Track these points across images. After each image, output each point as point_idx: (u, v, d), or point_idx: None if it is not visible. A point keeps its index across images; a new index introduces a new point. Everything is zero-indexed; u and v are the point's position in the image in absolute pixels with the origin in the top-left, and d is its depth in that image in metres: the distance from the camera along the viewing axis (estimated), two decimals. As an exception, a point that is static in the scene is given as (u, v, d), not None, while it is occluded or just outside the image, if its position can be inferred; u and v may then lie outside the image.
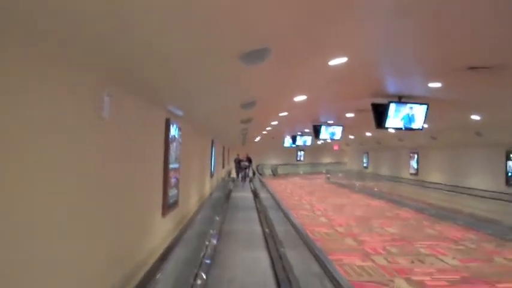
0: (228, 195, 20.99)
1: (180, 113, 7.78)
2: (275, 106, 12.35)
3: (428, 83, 9.22)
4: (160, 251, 6.17)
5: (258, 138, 33.27)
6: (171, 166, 7.51)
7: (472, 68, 7.37)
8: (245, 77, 6.34)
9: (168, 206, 7.39)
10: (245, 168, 34.13)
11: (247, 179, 33.52)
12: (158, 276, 4.91)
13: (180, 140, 8.23)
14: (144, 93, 5.39)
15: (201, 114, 9.24)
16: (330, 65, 6.73)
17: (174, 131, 7.62)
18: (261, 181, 31.86)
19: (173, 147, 7.61)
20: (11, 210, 2.57)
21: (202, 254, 8.39)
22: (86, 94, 3.73)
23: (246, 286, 7.46)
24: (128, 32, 3.18)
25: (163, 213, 7.18)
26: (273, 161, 50.32)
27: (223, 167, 28.24)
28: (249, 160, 34.64)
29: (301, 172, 51.97)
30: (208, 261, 8.13)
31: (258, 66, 5.25)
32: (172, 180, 7.75)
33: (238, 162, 35.08)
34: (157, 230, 6.85)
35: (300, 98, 10.60)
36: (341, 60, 6.52)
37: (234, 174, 38.25)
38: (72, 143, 3.46)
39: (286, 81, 7.81)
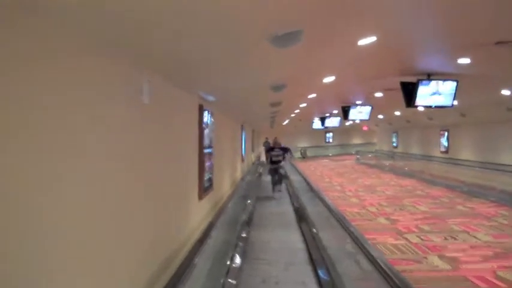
0: (259, 179, 21.27)
1: (211, 98, 7.93)
2: (304, 88, 12.39)
3: (457, 59, 9.17)
4: (198, 233, 6.36)
5: (286, 121, 33.27)
6: (205, 151, 7.68)
7: (499, 42, 7.35)
8: (276, 60, 6.43)
9: (203, 190, 7.57)
10: (278, 163, 18.02)
11: (283, 185, 18.82)
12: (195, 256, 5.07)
13: (212, 125, 8.39)
14: (178, 80, 5.54)
15: (232, 99, 9.38)
16: (359, 45, 6.78)
17: (206, 116, 7.77)
18: (290, 163, 31.73)
19: (206, 132, 7.77)
20: (62, 195, 2.73)
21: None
22: (127, 81, 3.88)
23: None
24: (164, 18, 3.30)
25: (200, 197, 7.36)
26: (302, 144, 50.25)
27: (252, 150, 28.38)
28: (284, 149, 18.21)
29: (330, 154, 51.82)
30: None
31: (289, 48, 5.34)
32: (207, 165, 7.92)
33: (268, 150, 18.75)
34: (194, 213, 7.03)
35: (328, 79, 10.63)
36: (370, 39, 6.56)
37: (263, 158, 38.37)
38: (117, 129, 3.61)
39: (316, 62, 7.86)
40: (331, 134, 52.31)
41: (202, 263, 5.40)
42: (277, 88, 9.23)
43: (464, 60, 9.16)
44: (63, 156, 2.71)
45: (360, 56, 8.00)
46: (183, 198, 6.44)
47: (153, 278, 4.68)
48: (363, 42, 6.66)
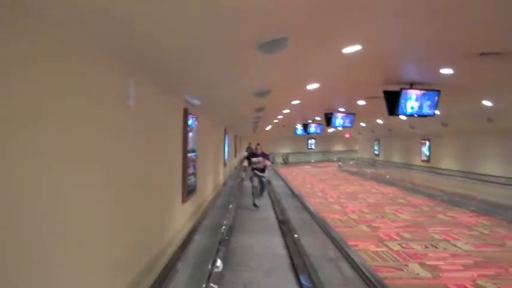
0: (240, 184, 21.27)
1: (197, 102, 7.94)
2: (288, 94, 12.45)
3: (439, 69, 9.27)
4: (181, 236, 6.36)
5: (269, 127, 33.31)
6: (189, 155, 7.69)
7: (483, 53, 7.45)
8: (261, 66, 6.47)
9: (187, 193, 7.57)
10: (261, 171, 16.43)
11: (264, 191, 17.49)
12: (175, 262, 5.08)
13: (196, 129, 8.40)
14: (163, 83, 5.55)
15: (216, 104, 9.41)
16: (343, 53, 6.84)
17: (191, 120, 7.78)
18: (272, 169, 31.70)
19: (191, 136, 7.78)
20: (40, 197, 2.69)
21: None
22: (113, 83, 3.89)
23: None
24: (152, 22, 3.32)
25: (183, 200, 7.37)
26: (284, 150, 50.42)
27: (235, 156, 28.39)
28: (265, 156, 16.55)
29: (312, 160, 52.02)
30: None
31: (275, 55, 5.37)
32: (191, 168, 7.93)
33: (249, 157, 16.84)
34: (177, 216, 7.03)
35: (312, 86, 10.70)
36: (355, 48, 6.64)
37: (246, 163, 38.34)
38: (101, 131, 3.61)
39: (301, 69, 7.92)
40: (313, 141, 52.53)
41: (186, 263, 5.41)
42: (261, 94, 9.28)
43: (447, 71, 9.26)
44: (46, 158, 2.71)
45: (344, 64, 8.06)
46: (168, 201, 6.45)
47: (141, 272, 4.70)
48: (348, 50, 6.74)
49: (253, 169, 16.19)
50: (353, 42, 6.45)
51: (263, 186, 16.80)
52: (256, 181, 16.11)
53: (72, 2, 2.61)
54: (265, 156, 16.30)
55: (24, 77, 2.43)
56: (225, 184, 16.18)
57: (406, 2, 4.62)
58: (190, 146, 7.79)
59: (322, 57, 7.29)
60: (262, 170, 16.15)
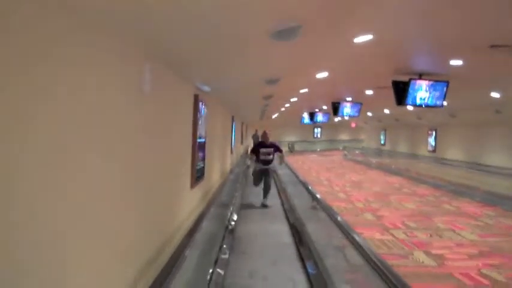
0: (247, 171, 21.39)
1: (207, 88, 8.00)
2: (297, 82, 12.48)
3: (449, 61, 9.29)
4: (189, 223, 6.46)
5: (276, 115, 33.32)
6: (199, 141, 7.76)
7: (493, 46, 7.47)
8: (273, 53, 6.50)
9: (196, 179, 7.65)
10: (268, 164, 13.84)
11: (267, 196, 13.76)
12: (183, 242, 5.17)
13: (205, 115, 8.46)
14: (176, 68, 5.59)
15: (226, 91, 9.47)
16: (354, 42, 6.88)
17: (201, 106, 7.85)
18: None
19: (200, 122, 7.84)
20: (60, 178, 2.74)
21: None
22: (128, 68, 3.94)
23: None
24: (168, 4, 3.37)
25: (192, 185, 7.45)
26: (290, 138, 50.43)
27: (241, 143, 28.45)
28: (276, 148, 14.09)
29: (318, 149, 52.04)
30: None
31: (288, 42, 5.42)
32: (199, 154, 8.00)
33: (257, 148, 14.10)
34: (185, 202, 7.12)
35: (322, 75, 10.73)
36: (366, 37, 6.67)
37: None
38: (117, 116, 3.68)
39: (311, 57, 7.95)
40: (319, 130, 52.54)
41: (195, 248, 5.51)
42: (271, 81, 9.32)
43: (456, 62, 9.27)
44: (61, 140, 2.75)
45: (354, 53, 8.09)
46: (177, 187, 6.54)
47: (157, 250, 4.80)
48: (359, 39, 6.77)
49: (258, 160, 13.57)
50: (364, 31, 6.47)
51: (269, 183, 13.62)
52: (261, 179, 13.63)
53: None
54: (274, 146, 13.86)
55: (35, 69, 2.42)
56: (231, 171, 16.17)
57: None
58: (200, 132, 7.86)
59: (333, 46, 7.32)
60: (270, 162, 13.67)
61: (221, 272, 6.64)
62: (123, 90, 3.80)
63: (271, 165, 13.81)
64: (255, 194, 14.14)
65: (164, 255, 5.02)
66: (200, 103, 7.71)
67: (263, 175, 13.59)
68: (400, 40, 7.57)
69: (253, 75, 8.53)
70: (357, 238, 5.70)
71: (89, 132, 3.08)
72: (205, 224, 6.41)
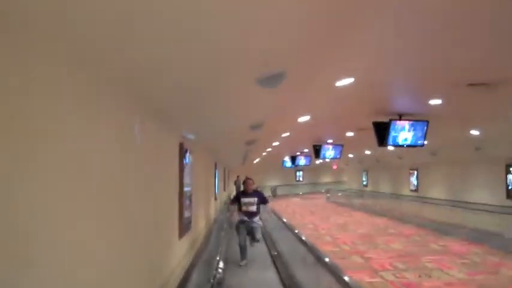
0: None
1: (191, 136, 8.01)
2: (279, 127, 12.61)
3: (428, 100, 9.44)
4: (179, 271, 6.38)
5: (257, 160, 33.36)
6: (185, 189, 7.72)
7: (471, 84, 7.62)
8: (257, 99, 6.57)
9: (184, 229, 7.59)
10: (252, 217, 11.54)
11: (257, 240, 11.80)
12: None
13: (190, 163, 8.45)
14: (160, 116, 5.59)
15: (210, 137, 9.50)
16: (336, 86, 6.99)
17: (186, 154, 7.84)
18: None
19: (186, 170, 7.82)
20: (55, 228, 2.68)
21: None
22: (121, 121, 3.95)
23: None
24: (154, 59, 3.41)
25: (180, 235, 7.38)
26: (272, 182, 50.34)
27: (224, 189, 28.37)
28: (260, 197, 11.96)
29: (301, 192, 52.01)
30: None
31: (273, 89, 5.48)
32: (186, 203, 7.95)
33: (236, 197, 12.29)
34: (175, 251, 7.04)
35: (304, 118, 10.85)
36: (348, 80, 6.78)
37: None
38: (111, 169, 3.66)
39: (294, 102, 8.05)
40: (301, 173, 52.63)
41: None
42: (255, 127, 9.39)
43: (435, 101, 9.42)
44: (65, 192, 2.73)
45: (335, 96, 8.23)
46: (167, 237, 6.47)
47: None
48: (341, 83, 6.88)
49: (241, 211, 11.50)
50: (346, 75, 6.60)
51: (254, 234, 11.38)
52: (244, 234, 11.33)
53: (92, 44, 2.69)
54: (259, 196, 11.76)
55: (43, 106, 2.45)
56: (215, 220, 16.03)
57: (396, 34, 4.78)
58: (186, 180, 7.83)
59: (315, 90, 7.43)
60: (254, 214, 11.38)
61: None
62: (116, 143, 3.79)
63: (256, 219, 11.37)
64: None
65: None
66: (185, 151, 7.70)
67: (246, 229, 11.23)
68: (380, 82, 7.71)
69: (238, 121, 8.59)
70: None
71: (82, 181, 3.04)
72: (194, 275, 6.34)
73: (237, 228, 11.48)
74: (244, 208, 11.37)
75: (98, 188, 3.35)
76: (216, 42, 3.43)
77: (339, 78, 6.69)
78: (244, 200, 11.42)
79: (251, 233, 11.25)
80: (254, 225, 11.28)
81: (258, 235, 11.36)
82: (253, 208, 11.35)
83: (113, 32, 2.67)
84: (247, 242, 11.48)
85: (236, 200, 11.85)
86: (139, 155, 4.67)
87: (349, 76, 6.65)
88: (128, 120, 4.16)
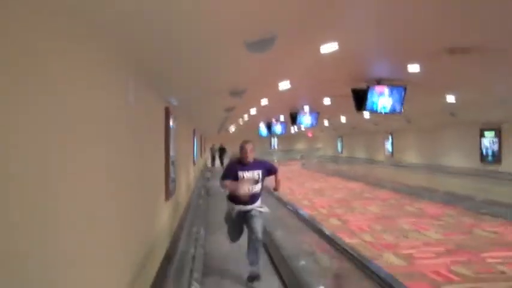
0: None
1: (175, 101, 8.08)
2: (259, 94, 12.64)
3: (407, 66, 9.56)
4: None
5: (233, 128, 33.40)
6: (170, 154, 7.83)
7: (449, 50, 7.78)
8: (243, 63, 6.65)
9: (169, 191, 7.72)
10: (251, 202, 7.06)
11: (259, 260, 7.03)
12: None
13: (174, 128, 8.53)
14: (147, 80, 5.60)
15: (192, 103, 9.54)
16: (321, 52, 7.09)
17: (171, 119, 7.92)
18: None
19: (171, 135, 7.91)
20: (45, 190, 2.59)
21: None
22: (115, 83, 4.01)
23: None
24: (144, 14, 3.41)
25: (166, 198, 7.52)
26: (248, 150, 50.30)
27: (201, 156, 28.47)
28: (267, 169, 7.38)
29: (276, 160, 52.15)
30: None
31: (262, 54, 5.56)
32: (171, 167, 8.06)
33: (231, 172, 7.08)
34: (163, 212, 7.19)
35: (284, 85, 10.91)
36: (332, 45, 6.88)
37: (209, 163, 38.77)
38: (103, 127, 3.67)
39: (278, 67, 8.11)
40: (276, 140, 52.79)
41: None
42: (236, 93, 9.44)
43: (413, 67, 9.55)
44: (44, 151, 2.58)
45: (317, 62, 8.32)
46: (156, 199, 6.62)
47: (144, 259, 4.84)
48: (325, 48, 6.97)
49: (232, 200, 7.25)
50: (330, 40, 6.70)
51: (257, 233, 6.92)
52: (240, 231, 7.53)
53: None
54: (264, 166, 7.43)
55: (26, 76, 2.33)
56: (196, 183, 16.23)
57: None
58: (171, 144, 7.92)
59: (300, 56, 7.52)
60: (256, 198, 7.23)
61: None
62: (109, 105, 3.84)
63: (256, 205, 7.19)
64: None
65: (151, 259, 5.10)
66: (170, 115, 7.78)
67: (244, 222, 7.23)
68: (360, 48, 7.83)
69: (221, 86, 8.65)
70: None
71: (74, 137, 2.99)
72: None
73: (230, 224, 7.42)
74: (242, 190, 6.85)
75: (91, 143, 3.35)
76: (204, 3, 3.51)
77: (324, 42, 6.77)
78: (244, 174, 7.03)
79: (251, 228, 6.93)
80: (255, 214, 7.05)
81: (259, 233, 6.88)
82: (257, 188, 7.10)
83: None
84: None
85: (229, 174, 7.12)
86: (131, 117, 4.75)
87: (333, 41, 6.75)
88: (121, 79, 4.22)
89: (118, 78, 4.15)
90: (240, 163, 7.09)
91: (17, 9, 2.15)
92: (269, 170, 7.33)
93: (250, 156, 7.05)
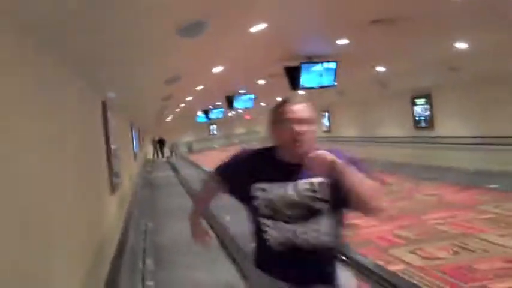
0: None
1: (112, 95, 8.00)
2: (195, 79, 12.61)
3: (336, 41, 9.79)
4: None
5: (170, 117, 33.12)
6: (112, 147, 7.79)
7: (374, 21, 8.01)
8: (176, 50, 6.66)
9: (113, 185, 7.70)
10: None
11: None
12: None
13: (112, 122, 8.46)
14: (81, 73, 5.48)
15: (127, 95, 9.47)
16: (248, 33, 7.18)
17: (108, 113, 7.86)
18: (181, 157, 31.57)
19: (110, 129, 7.85)
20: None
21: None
22: (50, 78, 3.97)
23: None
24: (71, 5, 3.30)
25: (111, 192, 7.50)
26: (187, 138, 50.20)
27: (140, 150, 28.18)
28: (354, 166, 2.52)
29: (216, 146, 52.15)
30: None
31: (192, 39, 5.61)
32: (113, 162, 8.01)
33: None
34: (109, 205, 7.19)
35: (218, 69, 10.96)
36: (261, 26, 6.99)
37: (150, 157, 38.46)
38: (39, 124, 3.62)
39: (210, 52, 8.14)
40: (215, 126, 52.74)
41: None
42: (171, 80, 9.42)
43: (342, 41, 9.78)
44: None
45: (248, 44, 8.42)
46: (102, 193, 6.61)
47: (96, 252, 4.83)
48: (255, 29, 7.08)
49: (266, 265, 2.73)
50: (259, 20, 6.80)
51: None
52: None
53: None
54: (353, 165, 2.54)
55: None
56: (138, 175, 16.12)
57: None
58: (111, 138, 7.86)
59: (231, 38, 7.57)
60: (323, 266, 2.70)
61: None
62: (43, 96, 3.76)
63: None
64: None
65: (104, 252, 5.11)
66: (107, 110, 7.73)
67: None
68: (289, 25, 7.97)
69: (155, 75, 8.62)
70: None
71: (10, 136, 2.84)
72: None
73: None
74: (273, 239, 2.66)
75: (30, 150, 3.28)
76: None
77: (253, 24, 6.87)
78: (279, 189, 2.65)
79: None
80: None
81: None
82: (326, 229, 2.69)
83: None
84: None
85: (226, 179, 2.99)
86: (69, 114, 4.72)
87: (262, 22, 6.86)
88: (56, 75, 4.17)
89: (53, 74, 4.11)
90: (270, 158, 2.84)
91: None
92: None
93: (309, 141, 2.65)
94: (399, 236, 8.81)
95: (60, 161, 4.09)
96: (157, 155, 42.35)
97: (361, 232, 9.35)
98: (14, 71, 2.93)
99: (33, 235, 3.04)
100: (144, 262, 6.87)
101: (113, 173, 7.62)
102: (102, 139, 7.28)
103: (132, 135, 17.81)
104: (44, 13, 3.05)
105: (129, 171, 14.00)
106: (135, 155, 18.53)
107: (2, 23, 2.63)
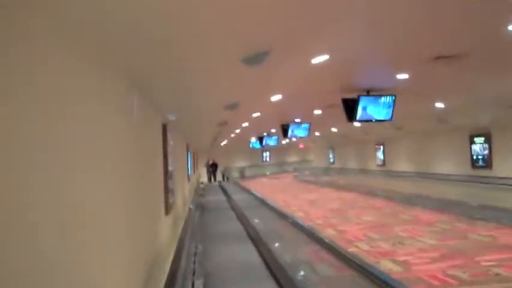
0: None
1: (172, 117, 8.21)
2: (251, 107, 12.77)
3: (396, 75, 9.75)
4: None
5: (225, 142, 33.46)
6: (169, 169, 7.95)
7: (438, 57, 7.97)
8: (236, 78, 6.80)
9: (169, 206, 7.84)
10: None
11: None
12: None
13: (171, 144, 8.66)
14: (146, 96, 5.72)
15: (186, 118, 9.67)
16: (312, 62, 7.24)
17: (168, 135, 8.05)
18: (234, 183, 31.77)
19: (169, 150, 8.04)
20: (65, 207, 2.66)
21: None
22: (116, 98, 4.13)
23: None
24: (145, 30, 3.50)
25: (166, 212, 7.63)
26: (240, 163, 50.51)
27: (194, 172, 28.51)
28: None
29: (268, 173, 52.28)
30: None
31: (256, 67, 5.71)
32: (169, 183, 8.18)
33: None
34: (163, 226, 7.31)
35: (276, 98, 11.08)
36: (323, 57, 7.04)
37: (203, 179, 38.79)
38: (113, 140, 3.81)
39: (270, 80, 8.25)
40: (268, 153, 52.91)
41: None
42: (230, 107, 9.59)
43: (402, 76, 9.75)
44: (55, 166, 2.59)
45: (308, 74, 8.49)
46: (158, 214, 6.73)
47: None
48: (316, 60, 7.14)
49: None
50: (321, 52, 6.86)
51: None
52: None
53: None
54: None
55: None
56: (192, 201, 16.29)
57: (367, 11, 5.06)
58: (169, 161, 8.04)
59: (291, 68, 7.66)
60: None
61: None
62: (116, 117, 3.94)
63: None
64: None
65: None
66: (167, 132, 7.92)
67: None
68: (351, 57, 7.98)
69: (216, 101, 8.80)
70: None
71: (90, 150, 3.12)
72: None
73: None
74: None
75: (102, 162, 3.48)
76: (201, 21, 3.66)
77: (315, 55, 6.93)
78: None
79: None
80: None
81: None
82: None
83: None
84: None
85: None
86: (136, 135, 4.87)
87: (324, 53, 6.91)
88: (124, 97, 4.34)
89: (124, 98, 4.27)
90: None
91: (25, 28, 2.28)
92: None
93: None
94: (452, 276, 8.60)
95: (123, 180, 4.22)
96: (210, 179, 42.60)
97: (412, 269, 9.19)
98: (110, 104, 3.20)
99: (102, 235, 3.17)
100: (193, 285, 6.92)
101: (168, 194, 7.76)
102: (161, 160, 7.45)
103: (188, 158, 18.10)
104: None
105: (183, 193, 14.20)
106: (189, 177, 18.76)
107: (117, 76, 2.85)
